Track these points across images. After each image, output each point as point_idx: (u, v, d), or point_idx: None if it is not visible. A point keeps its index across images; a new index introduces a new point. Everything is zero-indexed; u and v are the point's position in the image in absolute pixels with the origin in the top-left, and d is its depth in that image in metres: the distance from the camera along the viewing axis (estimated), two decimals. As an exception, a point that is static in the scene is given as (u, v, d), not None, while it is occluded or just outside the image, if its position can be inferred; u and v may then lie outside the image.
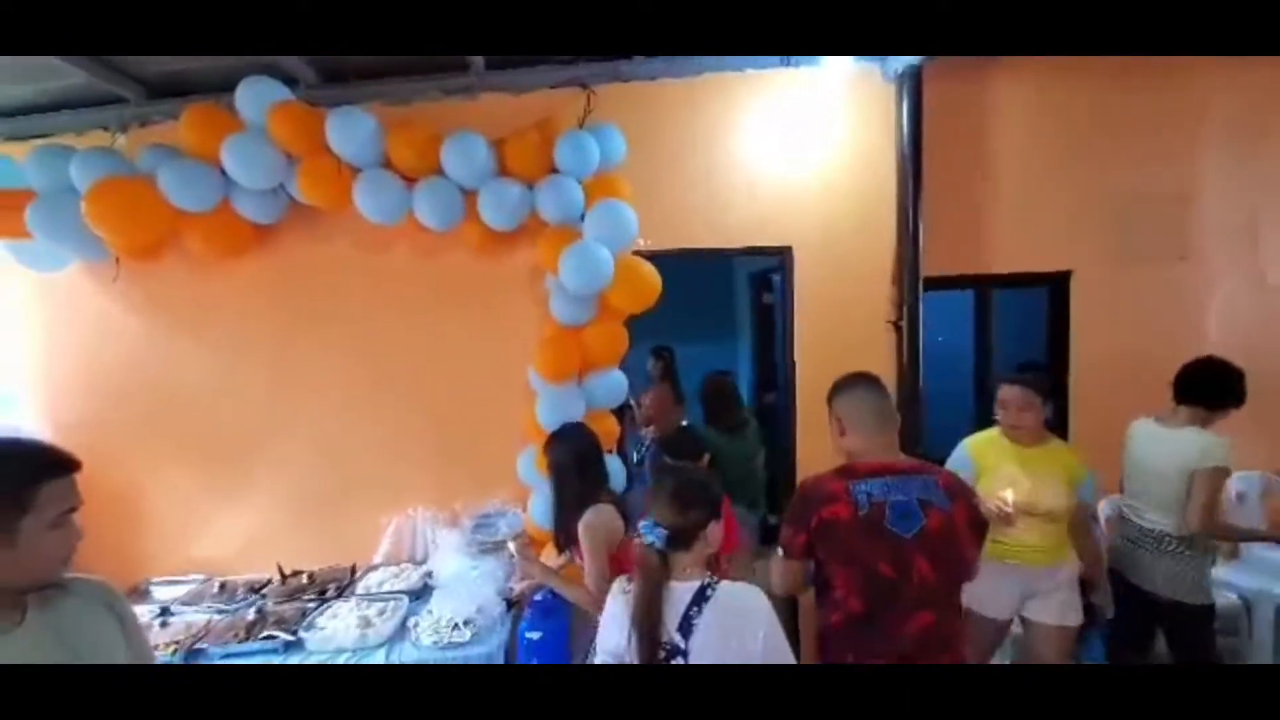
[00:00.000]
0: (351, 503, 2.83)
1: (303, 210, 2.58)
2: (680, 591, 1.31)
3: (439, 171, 2.45)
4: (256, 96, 2.36)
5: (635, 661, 1.29)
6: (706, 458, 2.47)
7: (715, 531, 1.38)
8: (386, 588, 2.49)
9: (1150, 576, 2.19)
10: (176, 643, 2.16)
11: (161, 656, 2.08)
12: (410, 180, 2.47)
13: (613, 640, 1.38)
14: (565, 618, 2.36)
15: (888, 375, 2.69)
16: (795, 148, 2.74)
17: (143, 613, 2.38)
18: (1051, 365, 2.98)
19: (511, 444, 2.70)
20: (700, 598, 1.29)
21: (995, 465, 2.05)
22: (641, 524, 1.34)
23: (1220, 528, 2.15)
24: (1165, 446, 2.16)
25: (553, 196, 2.46)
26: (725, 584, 1.33)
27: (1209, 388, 2.15)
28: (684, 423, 3.13)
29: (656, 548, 1.31)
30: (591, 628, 2.18)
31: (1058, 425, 2.71)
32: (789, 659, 1.30)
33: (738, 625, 1.27)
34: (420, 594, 2.42)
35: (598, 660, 1.79)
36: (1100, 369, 2.94)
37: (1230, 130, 2.91)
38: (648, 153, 2.69)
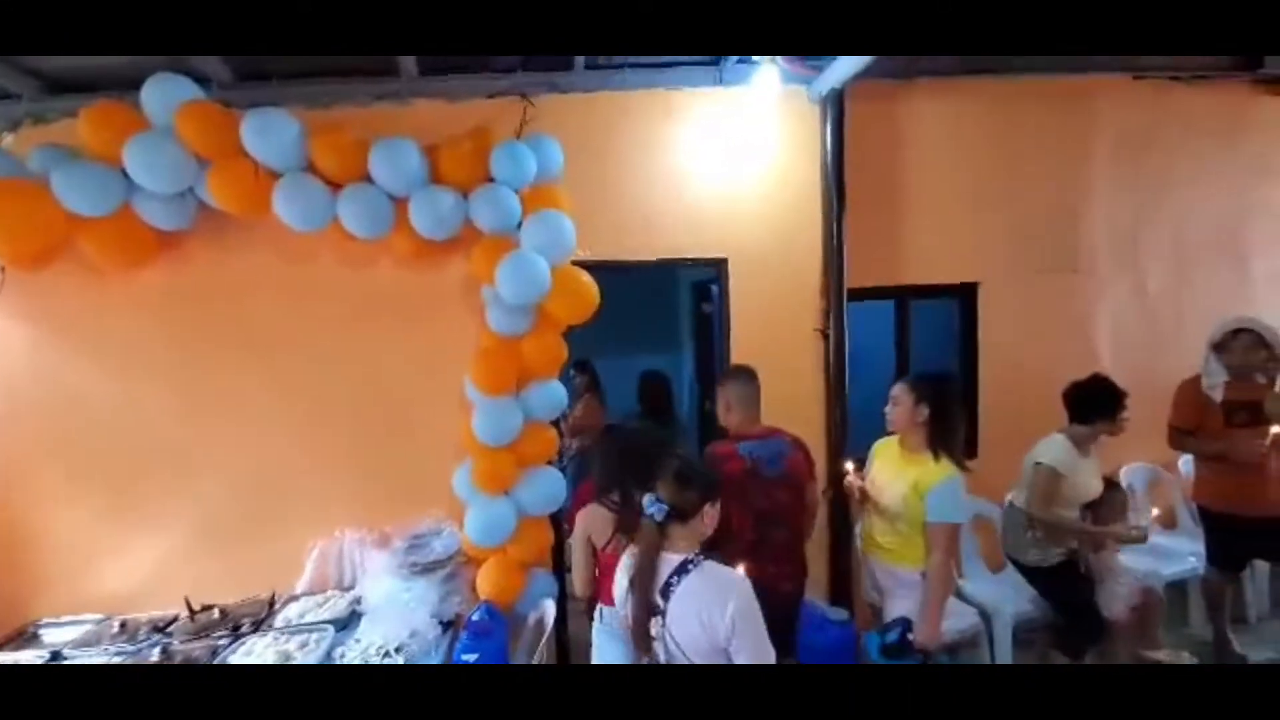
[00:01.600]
0: (270, 528, 2.65)
1: (214, 216, 2.43)
2: (668, 561, 1.50)
3: (366, 178, 2.37)
4: (164, 95, 2.21)
5: (630, 612, 1.53)
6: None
7: (711, 513, 1.54)
8: (309, 618, 2.33)
9: (1021, 549, 2.58)
10: (65, 691, 1.95)
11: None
12: (335, 186, 2.37)
13: (617, 595, 1.64)
14: (502, 638, 2.30)
15: (816, 380, 2.84)
16: (727, 163, 2.83)
17: (32, 659, 2.16)
18: (958, 374, 3.19)
19: (446, 459, 2.61)
20: (682, 569, 1.47)
21: (874, 458, 2.29)
22: (645, 498, 1.50)
23: (1047, 518, 2.45)
24: (1035, 448, 2.53)
25: (488, 205, 2.42)
26: (708, 563, 1.49)
27: (1075, 404, 2.51)
28: (608, 423, 3.38)
29: (656, 520, 1.47)
30: (526, 648, 2.14)
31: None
32: (761, 635, 1.44)
33: (709, 597, 1.43)
34: (347, 623, 2.29)
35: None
36: (1003, 375, 3.18)
37: (1117, 146, 3.23)
38: (585, 165, 2.70)
